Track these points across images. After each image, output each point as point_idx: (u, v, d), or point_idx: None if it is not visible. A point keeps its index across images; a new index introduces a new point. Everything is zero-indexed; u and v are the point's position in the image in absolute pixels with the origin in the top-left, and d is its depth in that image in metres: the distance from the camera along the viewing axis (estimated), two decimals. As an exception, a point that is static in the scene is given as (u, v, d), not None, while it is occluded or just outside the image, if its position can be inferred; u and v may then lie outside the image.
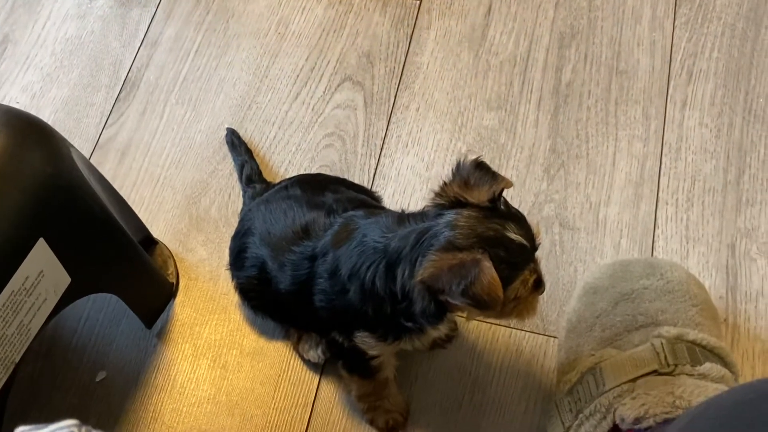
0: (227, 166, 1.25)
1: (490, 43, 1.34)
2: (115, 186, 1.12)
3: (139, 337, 1.13)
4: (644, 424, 0.87)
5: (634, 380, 0.92)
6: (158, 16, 1.40)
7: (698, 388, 0.88)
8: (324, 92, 1.31)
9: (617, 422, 0.90)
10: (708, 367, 0.92)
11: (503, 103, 1.29)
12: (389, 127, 1.27)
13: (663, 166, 1.23)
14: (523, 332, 1.11)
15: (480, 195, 0.84)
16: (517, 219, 0.84)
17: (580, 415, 0.94)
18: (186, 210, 1.22)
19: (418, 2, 1.38)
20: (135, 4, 1.41)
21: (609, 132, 1.26)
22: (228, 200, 1.22)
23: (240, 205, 1.20)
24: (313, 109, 1.29)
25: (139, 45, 1.37)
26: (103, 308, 1.15)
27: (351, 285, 0.89)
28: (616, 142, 1.25)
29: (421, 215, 0.87)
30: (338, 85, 1.31)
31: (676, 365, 0.92)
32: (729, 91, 1.29)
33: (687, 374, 0.91)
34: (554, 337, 1.10)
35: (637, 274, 1.03)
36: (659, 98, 1.28)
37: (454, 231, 0.82)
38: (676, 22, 1.35)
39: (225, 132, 1.26)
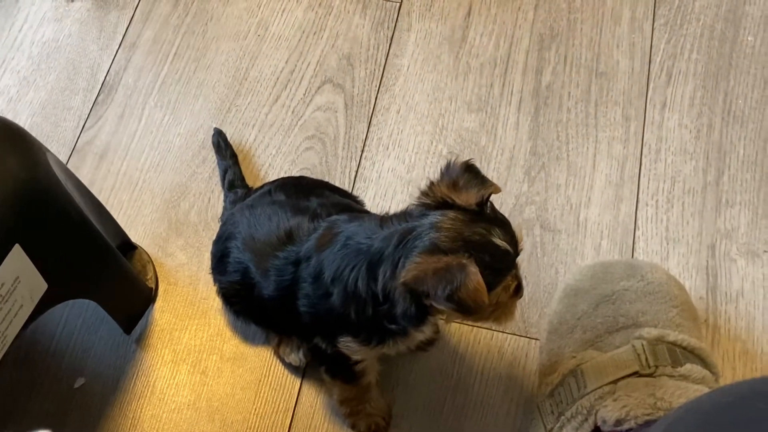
0: (207, 169, 1.24)
1: (470, 45, 1.34)
2: (93, 190, 1.11)
3: (118, 343, 1.12)
4: (625, 426, 0.88)
5: (615, 382, 0.92)
6: (136, 18, 1.38)
7: (679, 390, 0.89)
8: (304, 95, 1.30)
9: (599, 424, 0.90)
10: (689, 368, 0.92)
11: (484, 105, 1.29)
12: (370, 130, 1.27)
13: (643, 167, 1.23)
14: (504, 334, 1.11)
15: (468, 198, 0.84)
16: (503, 224, 0.84)
17: (562, 417, 0.94)
18: (165, 214, 1.21)
19: (398, 4, 1.38)
20: (113, 6, 1.40)
21: (589, 134, 1.26)
22: (207, 204, 1.22)
23: (220, 209, 1.19)
24: (293, 112, 1.29)
25: (117, 48, 1.36)
26: (82, 314, 1.14)
27: (334, 288, 0.89)
28: (596, 144, 1.25)
29: (404, 215, 0.86)
30: (318, 88, 1.30)
31: (657, 366, 0.92)
32: (708, 92, 1.30)
33: (668, 375, 0.91)
34: (536, 339, 1.10)
35: (617, 276, 1.03)
36: (639, 100, 1.29)
37: (438, 233, 0.81)
38: (655, 24, 1.36)
39: (210, 132, 1.25)
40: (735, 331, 1.11)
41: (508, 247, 0.82)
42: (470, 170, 0.85)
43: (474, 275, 0.77)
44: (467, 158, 0.87)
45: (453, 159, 0.87)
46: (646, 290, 1.01)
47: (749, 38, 1.35)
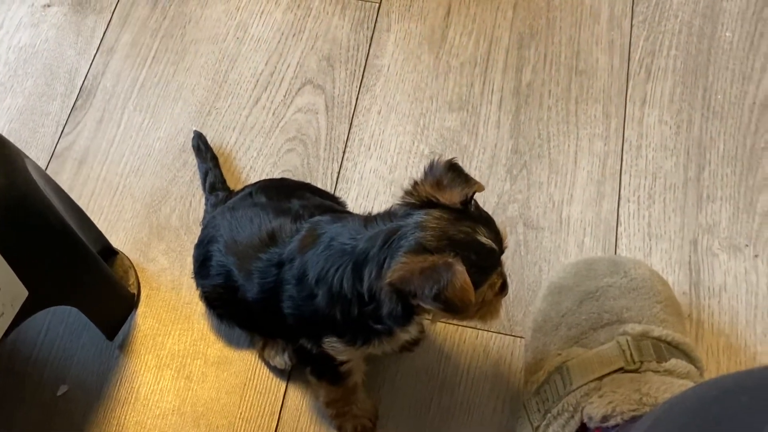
0: (188, 173, 1.23)
1: (450, 44, 1.34)
2: (73, 196, 1.10)
3: (101, 350, 1.11)
4: (612, 422, 0.88)
5: (600, 378, 0.92)
6: (114, 22, 1.37)
7: (664, 385, 0.89)
8: (285, 96, 1.29)
9: (585, 421, 0.90)
10: (673, 363, 0.92)
11: (465, 104, 1.29)
12: (351, 131, 1.26)
13: (624, 163, 1.23)
14: (489, 333, 1.11)
15: (452, 196, 0.84)
16: (487, 222, 0.84)
17: (548, 415, 0.94)
18: (146, 219, 1.20)
19: (377, 5, 1.38)
20: (90, 11, 1.39)
21: (570, 131, 1.26)
22: (189, 208, 1.21)
23: (201, 212, 1.18)
24: (274, 114, 1.28)
25: (94, 52, 1.35)
26: (63, 321, 1.13)
27: (319, 289, 0.88)
28: (578, 141, 1.26)
29: (388, 215, 0.86)
30: (299, 89, 1.30)
31: (642, 362, 0.92)
32: (687, 88, 1.30)
33: (653, 371, 0.91)
34: (521, 338, 1.10)
35: (601, 273, 1.03)
36: (619, 97, 1.29)
37: (423, 232, 0.81)
38: (633, 21, 1.36)
39: (190, 136, 1.24)
40: (719, 325, 1.12)
41: (493, 245, 0.82)
42: (454, 169, 0.85)
43: (461, 274, 0.77)
44: (450, 157, 0.87)
45: (436, 158, 0.87)
46: (629, 286, 1.01)
47: (727, 34, 1.36)
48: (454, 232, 0.81)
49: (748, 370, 0.61)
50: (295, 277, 0.91)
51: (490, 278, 0.82)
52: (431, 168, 0.85)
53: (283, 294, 0.93)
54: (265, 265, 0.94)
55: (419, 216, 0.82)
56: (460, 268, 0.77)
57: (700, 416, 0.58)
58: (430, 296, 0.77)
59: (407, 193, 0.86)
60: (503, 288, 0.86)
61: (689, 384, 0.90)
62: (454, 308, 0.78)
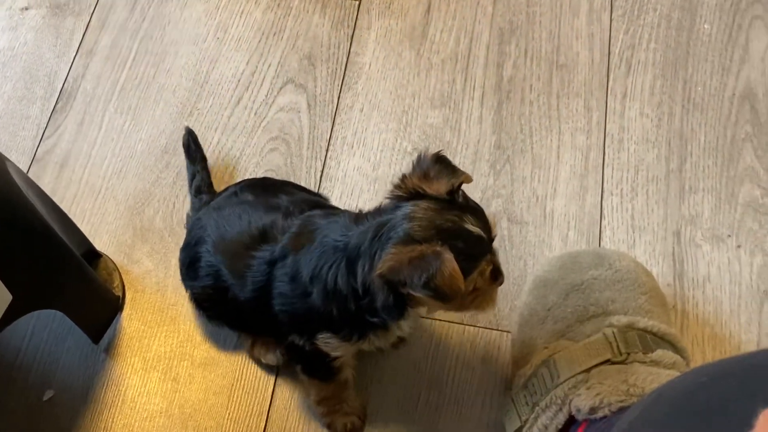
0: (170, 174, 1.23)
1: (430, 41, 1.34)
2: (55, 199, 1.09)
3: (87, 353, 1.10)
4: (600, 414, 0.88)
5: (588, 370, 0.92)
6: (93, 24, 1.37)
7: (651, 375, 0.89)
8: (266, 96, 1.29)
9: (573, 413, 0.91)
10: (660, 353, 0.93)
11: (447, 101, 1.29)
12: (334, 129, 1.26)
13: (606, 157, 1.24)
14: (476, 328, 1.11)
15: (439, 187, 0.85)
16: (474, 211, 0.85)
17: (537, 408, 0.94)
18: (129, 221, 1.19)
19: (357, 2, 1.38)
20: (68, 13, 1.38)
21: (552, 125, 1.27)
22: (173, 209, 1.20)
23: (185, 213, 1.18)
24: (256, 114, 1.28)
25: (74, 55, 1.34)
26: (48, 325, 1.12)
27: (313, 287, 0.88)
28: (560, 135, 1.26)
29: (378, 211, 0.87)
30: (280, 89, 1.30)
31: (628, 353, 0.93)
32: (667, 80, 1.31)
33: (639, 362, 0.92)
34: (507, 332, 1.10)
35: (586, 265, 1.04)
36: (600, 90, 1.30)
37: (411, 223, 0.81)
38: (613, 15, 1.37)
39: (172, 137, 1.24)
40: (703, 315, 1.12)
41: (482, 233, 0.83)
42: (441, 161, 0.86)
43: (449, 262, 0.77)
44: (442, 151, 0.88)
45: (424, 151, 0.88)
46: (614, 278, 1.02)
47: (705, 26, 1.37)
48: (441, 221, 0.81)
49: (735, 356, 0.62)
50: (287, 276, 0.91)
51: (480, 265, 0.83)
52: (419, 161, 0.86)
53: (274, 291, 0.93)
54: (257, 263, 0.94)
55: (407, 208, 0.83)
56: (448, 256, 0.77)
57: (687, 404, 0.58)
58: (420, 284, 0.78)
59: (396, 186, 0.86)
60: (496, 276, 0.87)
61: (676, 374, 0.90)
62: (444, 296, 0.78)
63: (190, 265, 1.02)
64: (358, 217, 0.87)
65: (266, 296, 0.93)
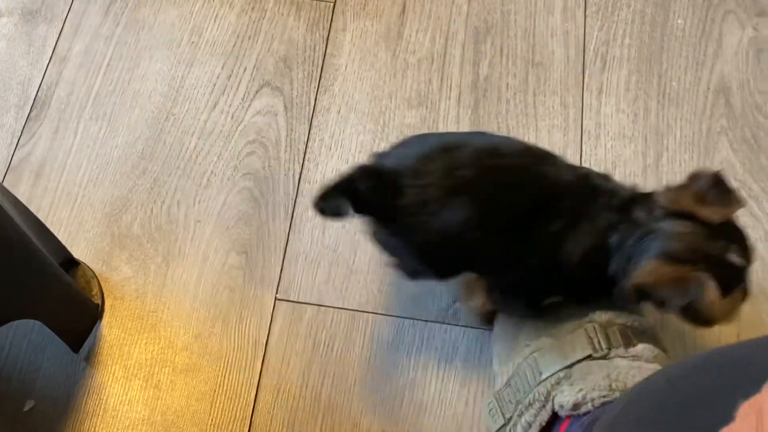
0: (147, 180, 1.22)
1: (406, 41, 1.34)
2: (32, 208, 1.08)
3: (67, 362, 1.09)
4: (583, 410, 0.88)
5: (570, 367, 0.93)
6: (66, 31, 1.35)
7: (633, 370, 0.90)
8: (243, 99, 1.29)
9: (556, 410, 0.91)
10: (641, 348, 0.93)
11: (424, 101, 1.29)
12: (311, 131, 1.26)
13: (584, 153, 1.24)
14: (458, 327, 1.11)
15: (713, 213, 0.84)
16: (740, 239, 0.85)
17: (520, 406, 0.94)
18: (107, 228, 1.19)
19: (332, 4, 1.37)
20: (41, 20, 1.37)
21: (529, 123, 1.27)
22: (150, 215, 1.19)
23: (163, 220, 1.17)
24: (232, 117, 1.27)
25: (47, 62, 1.33)
26: (27, 335, 1.11)
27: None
28: (537, 133, 1.26)
29: (648, 206, 0.86)
30: (257, 92, 1.29)
31: (610, 349, 0.93)
32: (643, 76, 1.32)
33: (621, 356, 0.92)
34: (489, 330, 1.10)
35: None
36: (576, 87, 1.30)
37: (677, 242, 0.82)
38: (587, 12, 1.38)
39: (148, 143, 1.22)
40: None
41: (745, 263, 0.83)
42: (719, 184, 0.85)
43: (712, 291, 0.78)
44: (716, 170, 0.87)
45: (701, 170, 0.87)
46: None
47: (679, 21, 1.37)
48: (708, 247, 0.81)
49: (715, 349, 0.62)
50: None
51: (737, 294, 0.83)
52: (695, 179, 0.86)
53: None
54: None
55: (674, 224, 0.83)
56: (711, 285, 0.78)
57: (669, 398, 0.59)
58: (678, 306, 0.79)
59: (664, 194, 0.86)
60: (744, 296, 0.87)
61: (657, 367, 0.91)
62: (699, 321, 0.80)
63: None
64: (633, 200, 0.87)
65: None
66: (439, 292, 1.13)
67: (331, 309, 1.11)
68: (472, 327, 1.11)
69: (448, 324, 1.11)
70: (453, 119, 1.27)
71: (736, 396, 0.48)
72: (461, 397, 1.06)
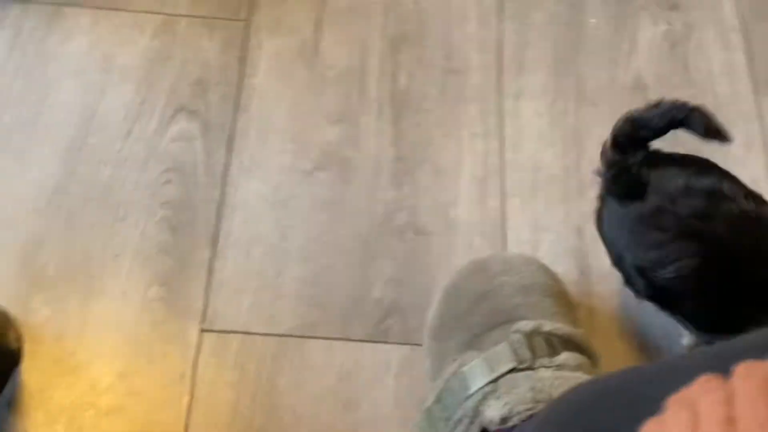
0: (61, 216, 1.18)
1: (323, 56, 1.33)
2: (-61, 255, 1.05)
3: (-13, 411, 1.05)
4: (510, 423, 0.88)
5: (495, 380, 0.92)
6: (-30, 66, 1.31)
7: (557, 380, 0.90)
8: (158, 125, 1.26)
9: (485, 424, 0.90)
10: (565, 357, 0.93)
11: (344, 116, 1.27)
12: (230, 155, 1.24)
13: (505, 159, 1.24)
14: (388, 345, 1.10)
15: None
16: None
17: (450, 422, 0.94)
18: (22, 269, 1.15)
19: (245, 23, 1.35)
20: (-57, 55, 1.32)
21: (451, 132, 1.27)
22: (66, 252, 1.16)
23: (81, 258, 1.14)
24: (148, 145, 1.24)
25: (-48, 99, 1.28)
26: (-56, 386, 1.07)
27: None
28: (458, 142, 1.26)
29: None
30: (172, 117, 1.26)
31: (534, 359, 0.93)
32: (560, 78, 1.32)
33: (545, 367, 0.92)
34: (419, 345, 1.09)
35: (492, 272, 1.04)
36: (494, 93, 1.30)
37: None
38: (502, 16, 1.38)
39: (62, 178, 1.19)
40: (611, 309, 1.14)
41: None
42: None
43: None
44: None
45: None
46: (521, 283, 1.02)
47: (592, 20, 1.39)
48: None
49: (625, 370, 0.62)
50: None
51: None
52: None
53: None
54: None
55: None
56: None
57: (578, 419, 0.59)
58: None
59: None
60: None
61: (582, 376, 0.91)
62: None
63: None
64: None
65: None
66: (368, 309, 1.12)
67: (259, 336, 1.10)
68: (403, 343, 1.10)
69: (379, 342, 1.10)
70: (374, 133, 1.26)
71: (638, 426, 0.47)
72: (394, 416, 1.05)
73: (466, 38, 1.36)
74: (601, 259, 1.16)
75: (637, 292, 1.04)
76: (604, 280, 1.15)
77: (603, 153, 1.02)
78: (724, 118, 1.27)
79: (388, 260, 1.16)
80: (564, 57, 1.34)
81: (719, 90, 1.32)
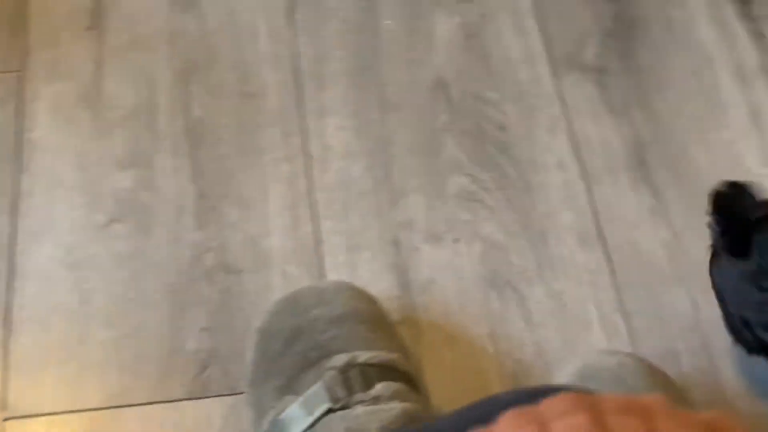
0: None
1: (108, 98, 1.25)
2: None
3: None
4: (330, 471, 0.84)
5: (313, 425, 0.88)
6: None
7: (372, 415, 0.86)
8: (-69, 201, 1.15)
9: (306, 475, 0.86)
10: (380, 387, 0.90)
11: (136, 159, 1.20)
12: (15, 221, 1.14)
13: (313, 181, 1.20)
14: (210, 399, 1.04)
15: None
16: None
17: (274, 477, 0.89)
18: None
19: (18, 73, 1.25)
20: None
21: (253, 161, 1.21)
22: None
23: None
24: None
25: None
26: None
27: None
28: (262, 169, 1.21)
29: None
30: (-55, 189, 1.16)
31: (350, 396, 0.89)
32: (361, 87, 1.29)
33: (362, 402, 0.89)
34: (243, 393, 1.04)
35: (304, 306, 0.99)
36: (295, 112, 1.26)
37: None
38: (294, 29, 1.33)
39: None
40: (435, 319, 1.11)
41: None
42: None
43: None
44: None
45: None
46: (334, 314, 0.98)
47: (387, 22, 1.35)
48: None
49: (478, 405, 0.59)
50: None
51: None
52: None
53: None
54: None
55: None
56: None
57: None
58: None
59: None
60: None
61: (396, 405, 0.88)
62: None
63: None
64: None
65: None
66: (184, 364, 1.06)
67: (67, 414, 1.02)
68: (226, 394, 1.04)
69: (198, 398, 1.04)
70: (171, 172, 1.19)
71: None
72: (222, 475, 1.00)
73: (259, 58, 1.30)
74: (420, 269, 1.14)
75: (749, 349, 0.99)
76: (425, 290, 1.12)
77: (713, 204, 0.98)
78: (527, 104, 1.28)
79: (200, 308, 1.09)
80: (363, 65, 1.31)
81: (520, 76, 1.31)
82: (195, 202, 1.17)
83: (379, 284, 1.12)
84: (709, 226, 0.99)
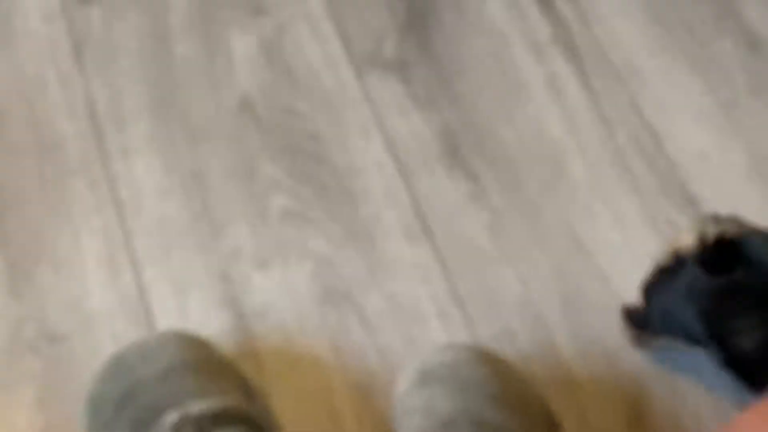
0: None
1: None
2: None
3: None
4: None
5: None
6: None
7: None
8: None
9: None
10: (217, 437, 0.88)
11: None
12: None
13: (127, 228, 1.16)
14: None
15: None
16: None
17: None
18: None
19: None
20: None
21: (62, 218, 1.16)
22: None
23: None
24: None
25: None
26: None
27: None
28: (72, 225, 1.15)
29: None
30: None
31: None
32: (163, 120, 1.25)
33: (199, 457, 0.86)
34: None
35: (129, 366, 0.95)
36: (98, 159, 1.21)
37: None
38: (83, 71, 1.28)
39: None
40: (276, 345, 1.09)
41: None
42: None
43: None
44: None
45: None
46: (160, 371, 0.94)
47: (181, 48, 1.32)
48: None
49: None
50: None
51: None
52: None
53: None
54: None
55: None
56: None
57: None
58: None
59: None
60: None
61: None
62: None
63: None
64: None
65: None
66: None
67: None
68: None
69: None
70: (-26, 248, 1.13)
71: None
72: None
73: (52, 107, 1.24)
74: (254, 297, 1.12)
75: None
76: (262, 319, 1.10)
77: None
78: (337, 111, 1.27)
79: (26, 385, 1.04)
80: (163, 97, 1.27)
81: (326, 83, 1.30)
82: (5, 272, 1.11)
83: (213, 323, 1.09)
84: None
